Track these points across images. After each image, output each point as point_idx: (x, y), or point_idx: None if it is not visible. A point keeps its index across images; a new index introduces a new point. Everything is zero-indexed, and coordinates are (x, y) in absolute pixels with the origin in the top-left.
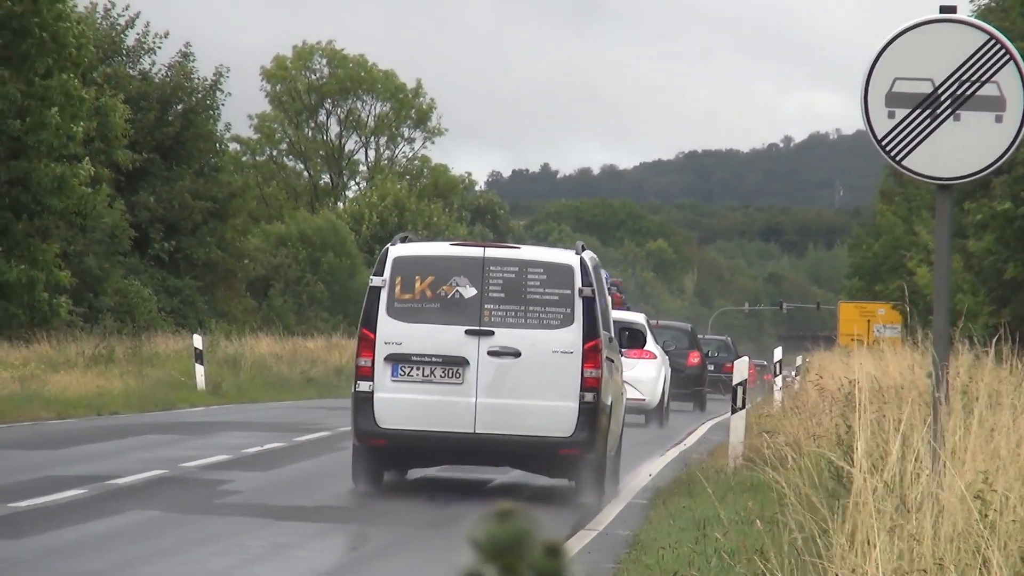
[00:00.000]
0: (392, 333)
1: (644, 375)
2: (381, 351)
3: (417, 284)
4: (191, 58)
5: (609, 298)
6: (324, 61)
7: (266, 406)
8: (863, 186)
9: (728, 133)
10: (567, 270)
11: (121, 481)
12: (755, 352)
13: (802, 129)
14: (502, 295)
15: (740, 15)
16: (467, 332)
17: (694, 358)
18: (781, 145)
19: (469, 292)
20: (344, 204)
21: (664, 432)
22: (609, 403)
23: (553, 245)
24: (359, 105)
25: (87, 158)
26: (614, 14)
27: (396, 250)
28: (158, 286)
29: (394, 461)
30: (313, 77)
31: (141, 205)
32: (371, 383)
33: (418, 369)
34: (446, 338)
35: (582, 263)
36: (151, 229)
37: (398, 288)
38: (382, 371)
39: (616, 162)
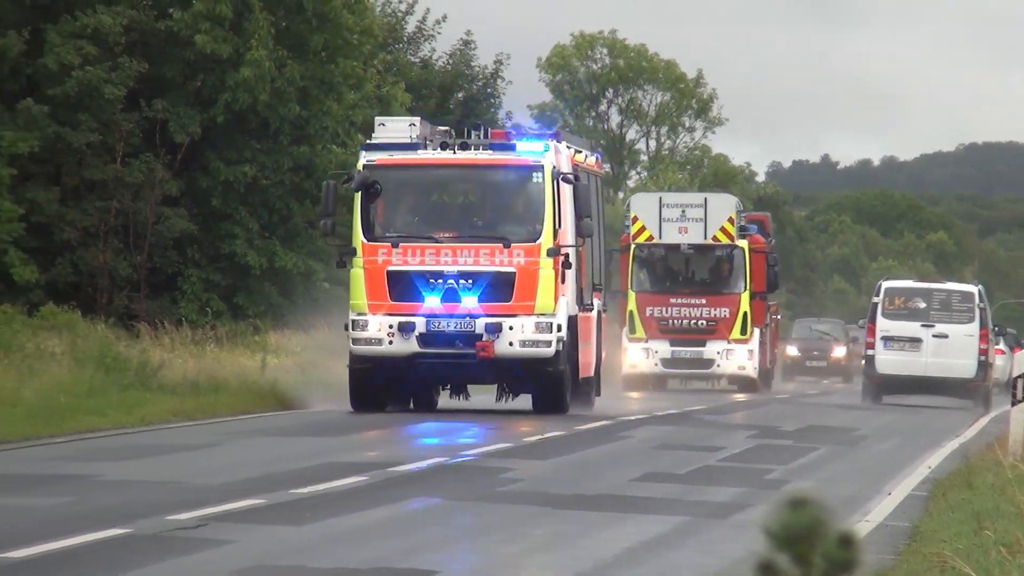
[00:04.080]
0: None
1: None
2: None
3: (897, 302)
4: (472, 46)
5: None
6: (605, 51)
7: None
8: None
9: (1009, 125)
10: (971, 295)
11: (402, 468)
12: None
13: None
14: (939, 309)
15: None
16: (922, 325)
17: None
18: None
19: (921, 305)
20: (624, 193)
21: (946, 423)
22: (990, 362)
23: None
24: (640, 94)
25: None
26: (888, 7)
27: (888, 283)
28: None
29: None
30: (594, 66)
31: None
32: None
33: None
34: (912, 329)
35: (979, 291)
36: None
37: (886, 303)
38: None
39: (896, 153)
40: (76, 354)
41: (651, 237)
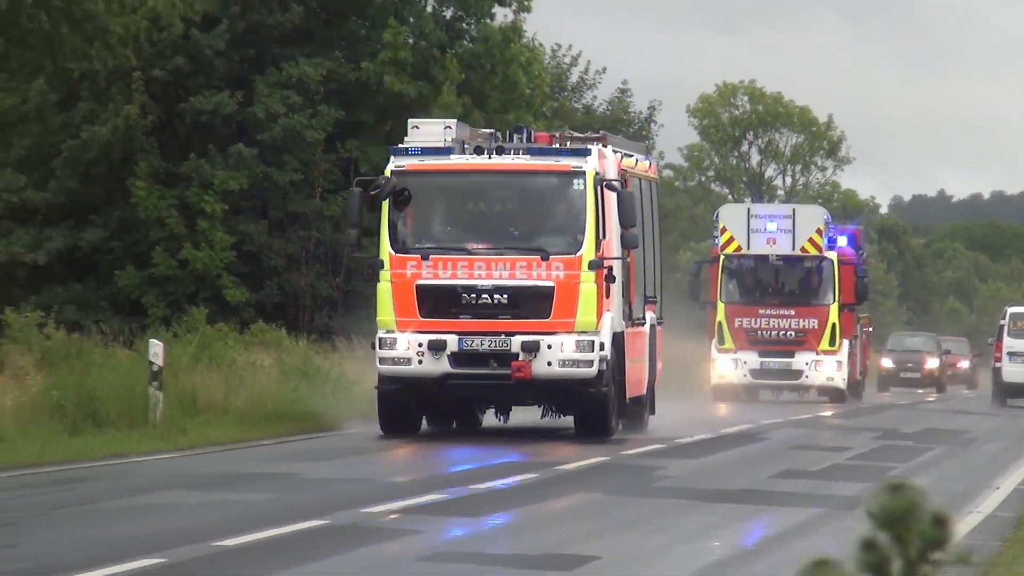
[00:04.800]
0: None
1: None
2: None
3: (1020, 324)
4: (628, 94)
5: None
6: (746, 98)
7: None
8: None
9: None
10: None
11: (568, 467)
12: None
13: None
14: None
15: None
16: None
17: None
18: None
19: None
20: None
21: None
22: None
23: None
24: (777, 136)
25: None
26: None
27: (1012, 309)
28: None
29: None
30: (736, 112)
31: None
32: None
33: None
34: None
35: None
36: None
37: (1011, 325)
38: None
39: (1004, 188)
40: (281, 366)
41: (739, 248)
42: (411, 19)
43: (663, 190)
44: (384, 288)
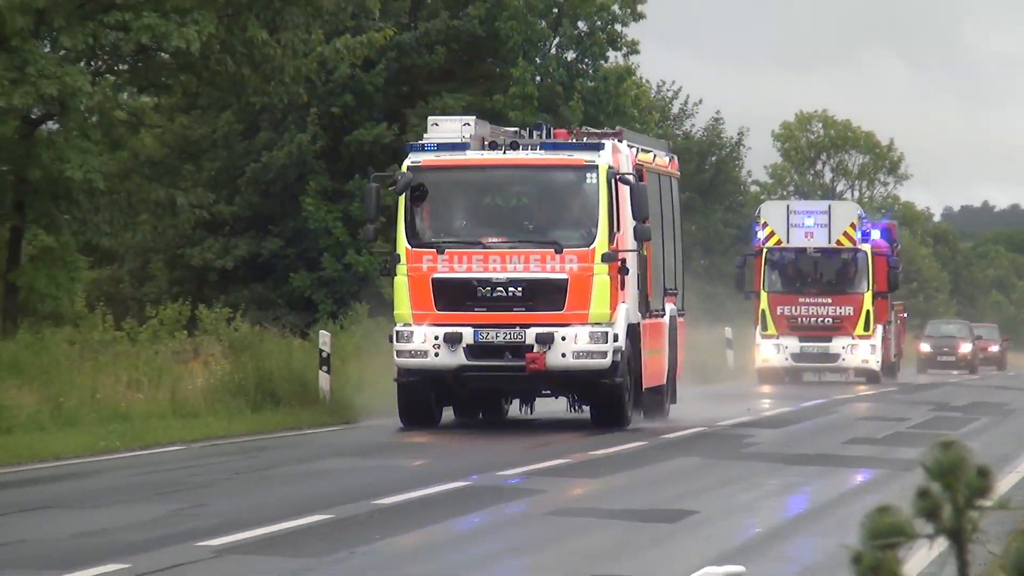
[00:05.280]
0: None
1: None
2: None
3: None
4: (720, 121)
5: None
6: (820, 124)
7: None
8: None
9: None
10: None
11: (671, 435)
12: None
13: None
14: None
15: None
16: None
17: None
18: None
19: None
20: None
21: None
22: None
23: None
24: (846, 157)
25: None
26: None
27: None
28: (698, 292)
29: None
30: (811, 136)
31: (684, 232)
32: None
33: None
34: None
35: None
36: (692, 251)
37: None
38: None
39: None
40: None
41: (780, 241)
42: (537, 60)
43: (752, 203)
44: (401, 282)
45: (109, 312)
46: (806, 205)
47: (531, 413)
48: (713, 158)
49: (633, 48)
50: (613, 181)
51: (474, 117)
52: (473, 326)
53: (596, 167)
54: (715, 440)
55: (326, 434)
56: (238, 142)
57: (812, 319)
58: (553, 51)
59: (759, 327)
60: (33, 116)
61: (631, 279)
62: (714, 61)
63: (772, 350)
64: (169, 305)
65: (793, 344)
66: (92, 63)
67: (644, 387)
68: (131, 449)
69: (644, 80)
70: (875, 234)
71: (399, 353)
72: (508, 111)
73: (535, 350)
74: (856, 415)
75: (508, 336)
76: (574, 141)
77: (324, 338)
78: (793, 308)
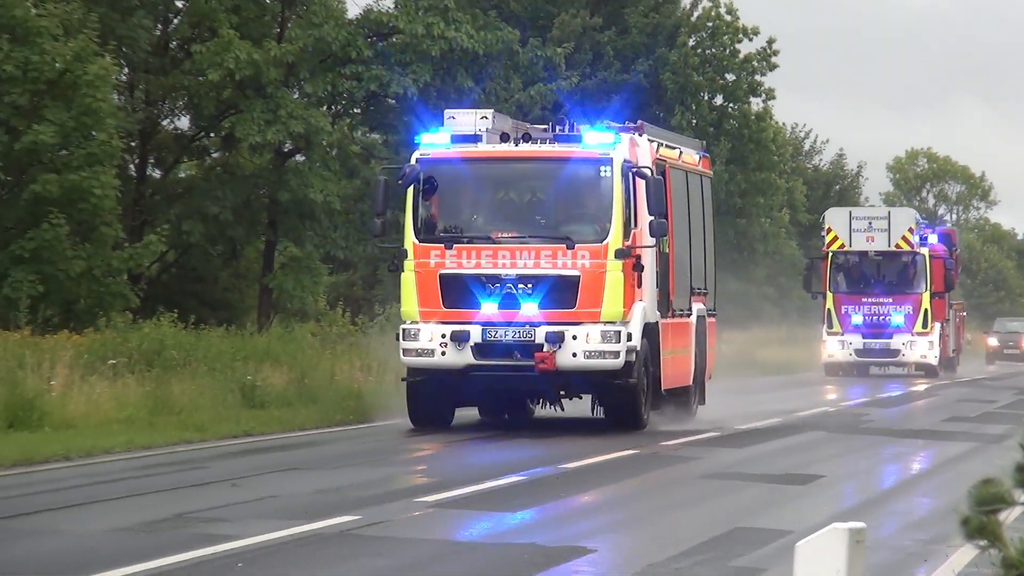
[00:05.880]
0: None
1: None
2: None
3: None
4: (843, 156)
5: None
6: (924, 160)
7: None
8: None
9: None
10: None
11: (802, 414)
12: None
13: None
14: None
15: None
16: None
17: None
18: None
19: None
20: None
21: None
22: None
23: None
24: (946, 186)
25: (784, 209)
26: None
27: None
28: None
29: None
30: (918, 169)
31: (810, 248)
32: None
33: None
34: None
35: None
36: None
37: None
38: None
39: None
40: None
41: (842, 245)
42: (693, 106)
43: None
44: (408, 278)
45: (346, 310)
46: (867, 211)
47: (562, 410)
48: (837, 187)
49: (770, 95)
50: (630, 175)
51: (492, 111)
52: (481, 324)
53: (611, 160)
54: (838, 418)
55: None
56: None
57: (874, 317)
58: (705, 98)
59: (825, 325)
60: (284, 149)
61: (648, 277)
62: (835, 105)
63: (837, 346)
64: (394, 305)
65: (857, 340)
66: (331, 107)
67: (664, 388)
68: (361, 422)
69: (780, 123)
70: (932, 238)
71: (405, 352)
72: None
73: (545, 349)
74: (953, 398)
75: (517, 335)
76: (582, 133)
77: None
78: (856, 307)
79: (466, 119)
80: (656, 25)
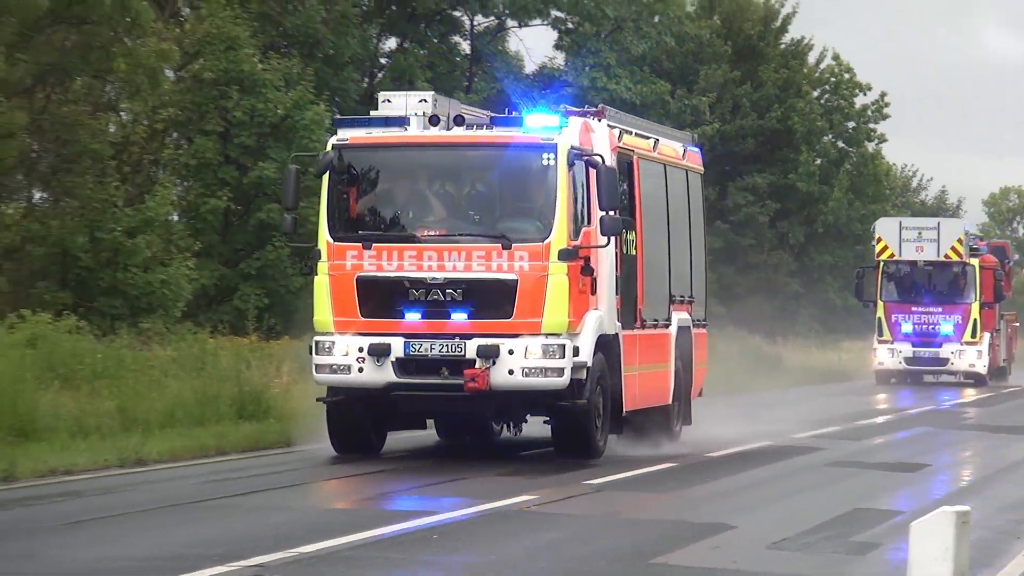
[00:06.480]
0: None
1: None
2: None
3: None
4: (945, 192)
5: None
6: (1015, 196)
7: None
8: None
9: None
10: None
11: (906, 412)
12: None
13: None
14: None
15: None
16: None
17: None
18: None
19: None
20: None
21: None
22: None
23: None
24: None
25: None
26: None
27: None
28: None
29: None
30: (1010, 203)
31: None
32: None
33: None
34: None
35: None
36: None
37: None
38: None
39: None
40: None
41: (892, 255)
42: (816, 146)
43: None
44: (321, 283)
45: None
46: (917, 222)
47: (519, 434)
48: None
49: (882, 139)
50: (579, 164)
51: (433, 93)
52: (404, 336)
53: (554, 146)
54: (939, 415)
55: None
56: None
57: (923, 326)
58: (828, 139)
59: (876, 333)
60: None
61: (605, 282)
62: (938, 148)
63: (887, 354)
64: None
65: (907, 349)
66: None
67: (629, 409)
68: None
69: (891, 163)
70: (983, 249)
71: (318, 368)
72: (796, 183)
73: (476, 366)
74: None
75: (445, 349)
76: (523, 116)
77: None
78: (906, 316)
79: (402, 101)
80: (786, 79)
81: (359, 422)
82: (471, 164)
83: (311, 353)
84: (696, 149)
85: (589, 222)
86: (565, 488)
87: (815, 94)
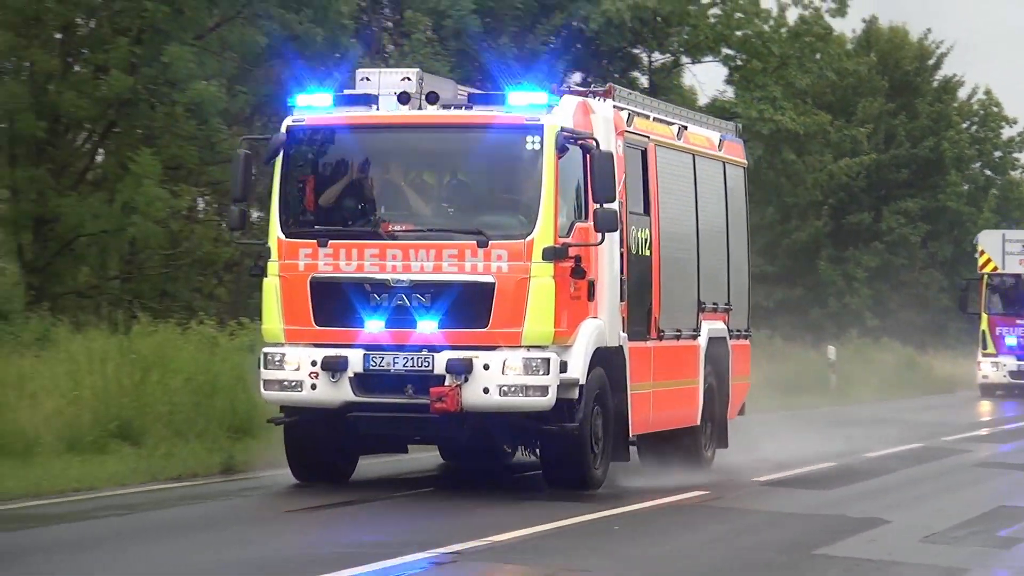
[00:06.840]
0: None
1: None
2: None
3: None
4: None
5: None
6: None
7: None
8: None
9: None
10: None
11: (1008, 426)
12: None
13: None
14: None
15: None
16: None
17: None
18: None
19: None
20: None
21: None
22: None
23: None
24: None
25: None
26: None
27: None
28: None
29: None
30: None
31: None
32: None
33: None
34: None
35: None
36: None
37: None
38: None
39: None
40: None
41: (996, 268)
42: (965, 172)
43: None
44: (270, 285)
45: None
46: (1020, 235)
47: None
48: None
49: None
50: (571, 149)
51: (418, 70)
52: (364, 348)
53: (540, 127)
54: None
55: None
56: (776, 225)
57: None
58: (976, 168)
59: (980, 346)
60: None
61: (606, 286)
62: None
63: (991, 368)
64: None
65: (1011, 363)
66: None
67: (636, 432)
68: None
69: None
70: None
71: (266, 384)
72: (946, 203)
73: (446, 383)
74: None
75: (410, 362)
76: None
77: (831, 352)
78: (1011, 329)
79: (384, 79)
80: (939, 112)
81: (319, 445)
82: (444, 148)
83: (259, 367)
84: (738, 140)
85: (584, 216)
86: (737, 482)
87: (964, 125)
